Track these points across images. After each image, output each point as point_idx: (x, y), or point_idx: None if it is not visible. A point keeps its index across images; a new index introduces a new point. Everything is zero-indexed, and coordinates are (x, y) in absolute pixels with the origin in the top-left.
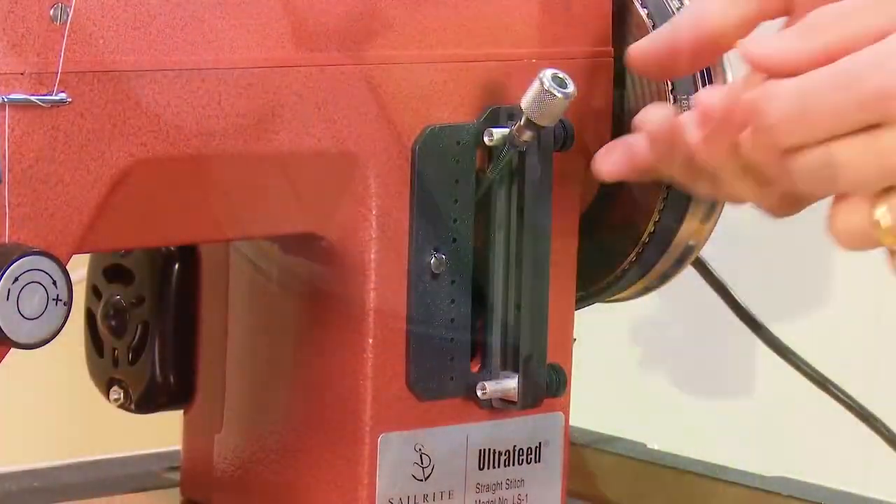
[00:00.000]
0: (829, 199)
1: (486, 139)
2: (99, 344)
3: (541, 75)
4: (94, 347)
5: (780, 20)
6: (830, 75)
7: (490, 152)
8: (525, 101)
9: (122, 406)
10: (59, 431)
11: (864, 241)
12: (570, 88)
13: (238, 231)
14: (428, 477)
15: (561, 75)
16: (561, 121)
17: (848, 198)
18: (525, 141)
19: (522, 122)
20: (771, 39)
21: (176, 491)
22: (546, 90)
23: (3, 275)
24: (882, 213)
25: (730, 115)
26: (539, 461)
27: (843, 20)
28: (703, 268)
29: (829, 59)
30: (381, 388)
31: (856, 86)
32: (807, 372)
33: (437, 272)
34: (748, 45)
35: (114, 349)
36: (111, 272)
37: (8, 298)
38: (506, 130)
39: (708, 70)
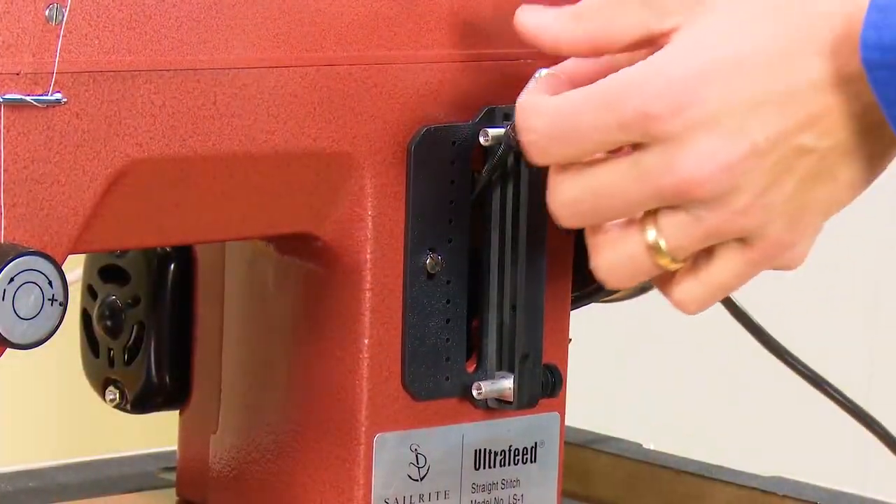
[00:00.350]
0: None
1: (481, 139)
2: (94, 344)
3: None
4: (90, 348)
5: None
6: (592, 94)
7: (486, 152)
8: None
9: (117, 406)
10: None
11: (634, 271)
12: None
13: (234, 231)
14: (424, 477)
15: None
16: None
17: (607, 231)
18: (520, 141)
19: None
20: (548, 14)
21: (172, 491)
22: None
23: None
24: (654, 235)
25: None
26: (535, 461)
27: (609, 9)
28: None
29: (591, 47)
30: (377, 389)
31: (617, 105)
32: (803, 372)
33: (432, 272)
34: (525, 14)
35: (109, 349)
36: (107, 272)
37: (3, 299)
38: (501, 130)
39: None
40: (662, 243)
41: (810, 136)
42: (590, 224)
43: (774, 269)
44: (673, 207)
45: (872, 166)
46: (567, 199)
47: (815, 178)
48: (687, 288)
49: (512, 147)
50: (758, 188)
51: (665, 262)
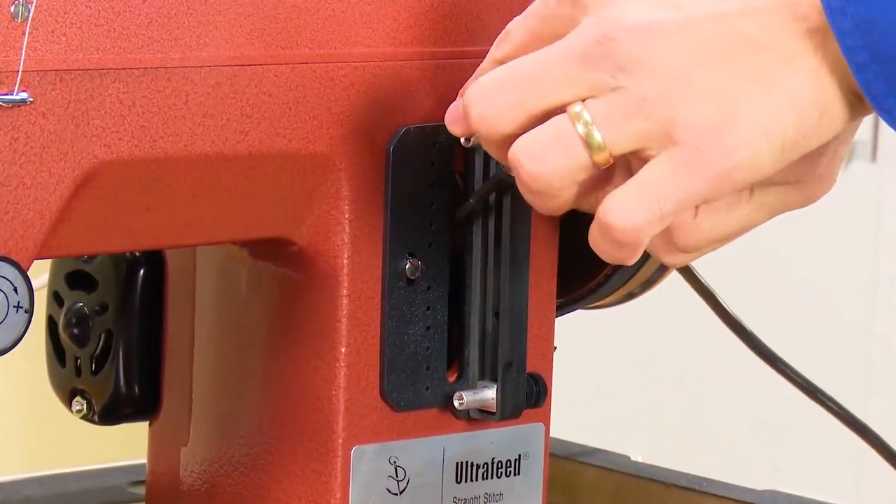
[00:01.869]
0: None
1: (462, 141)
2: (61, 353)
3: None
4: (56, 356)
5: None
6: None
7: (467, 154)
8: None
9: (84, 417)
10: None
11: (568, 170)
12: None
13: (205, 235)
14: (403, 491)
15: None
16: None
17: (536, 135)
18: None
19: None
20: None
21: None
22: None
23: None
24: (583, 125)
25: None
26: (518, 474)
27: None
28: (688, 273)
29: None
30: (354, 399)
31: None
32: (796, 381)
33: (412, 278)
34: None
35: (76, 358)
36: (74, 278)
37: None
38: None
39: None
40: (595, 133)
41: (751, 24)
42: (511, 116)
43: (787, 208)
44: (599, 92)
45: (817, 94)
46: (488, 83)
47: (750, 73)
48: (618, 195)
49: (504, 181)
50: (684, 58)
51: (600, 157)
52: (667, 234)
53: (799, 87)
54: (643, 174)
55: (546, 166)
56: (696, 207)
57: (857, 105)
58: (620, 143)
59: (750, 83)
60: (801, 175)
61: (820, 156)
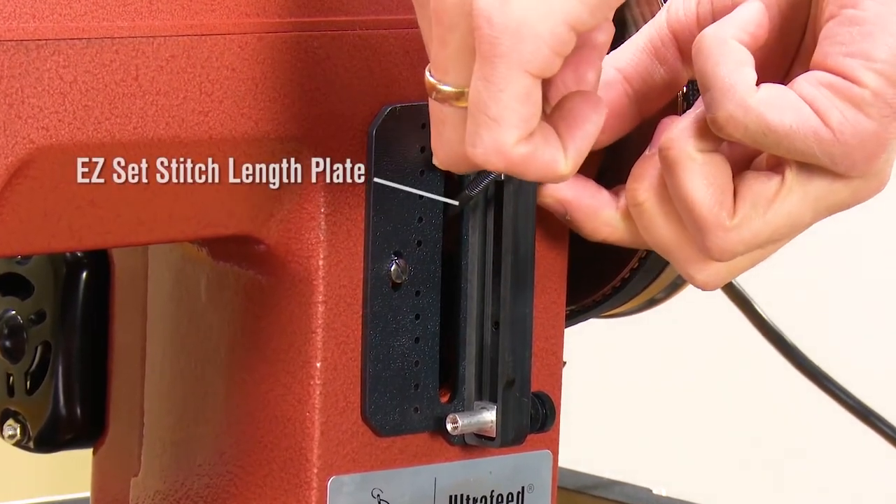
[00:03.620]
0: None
1: (467, 189)
2: None
3: None
4: None
5: None
6: None
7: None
8: None
9: (18, 444)
10: None
11: (448, 132)
12: None
13: (159, 233)
14: None
15: None
16: None
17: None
18: None
19: None
20: None
21: None
22: None
23: None
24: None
25: None
26: None
27: None
28: None
29: None
30: (332, 422)
31: None
32: (846, 401)
33: (398, 281)
34: None
35: (8, 375)
36: (6, 282)
37: None
38: None
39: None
40: (429, 75)
41: None
42: None
43: (836, 205)
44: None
45: None
46: None
47: None
48: None
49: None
50: None
51: (462, 102)
52: (698, 239)
53: None
54: None
55: (450, 156)
56: (734, 207)
57: None
58: (459, 70)
59: None
60: (851, 167)
61: (875, 152)
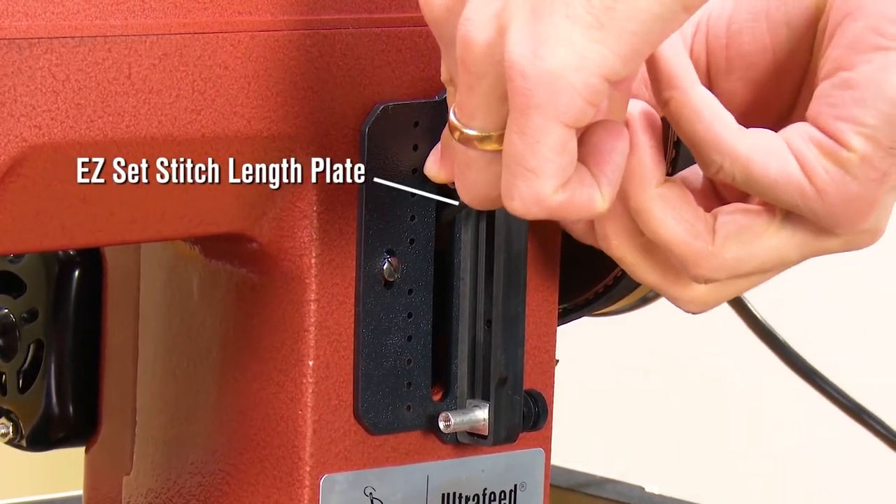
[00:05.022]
0: None
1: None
2: None
3: None
4: None
5: None
6: None
7: None
8: None
9: (10, 442)
10: None
11: (477, 175)
12: None
13: (151, 231)
14: None
15: None
16: None
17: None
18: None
19: None
20: None
21: None
22: None
23: None
24: (453, 116)
25: None
26: None
27: None
28: None
29: None
30: (324, 420)
31: None
32: (839, 400)
33: (390, 280)
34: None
35: (1, 374)
36: None
37: None
38: None
39: None
40: (454, 117)
41: None
42: None
43: (826, 251)
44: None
45: None
46: None
47: None
48: None
49: None
50: None
51: (487, 145)
52: (680, 263)
53: None
54: None
55: (480, 196)
56: (713, 233)
57: None
58: (484, 115)
59: None
60: (835, 225)
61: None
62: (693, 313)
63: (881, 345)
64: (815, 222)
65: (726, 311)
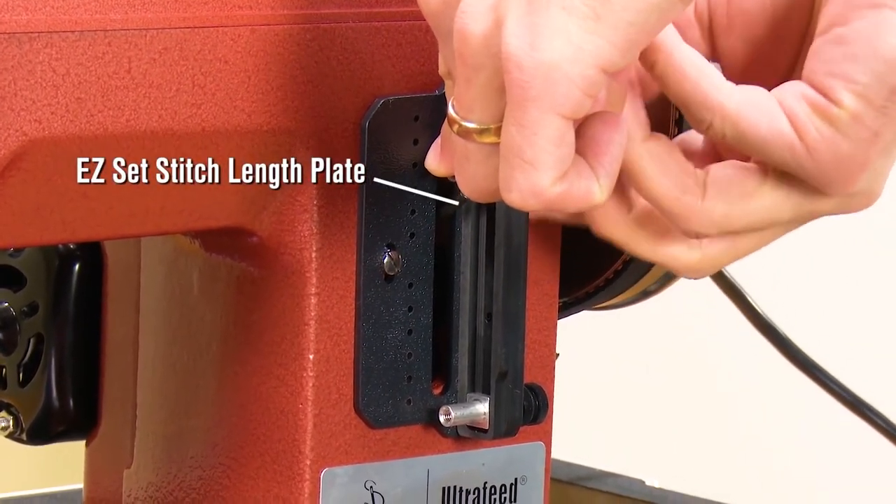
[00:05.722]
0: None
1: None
2: None
3: None
4: None
5: None
6: None
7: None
8: None
9: (11, 436)
10: None
11: (476, 167)
12: None
13: (151, 225)
14: None
15: None
16: None
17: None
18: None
19: None
20: None
21: None
22: None
23: None
24: (451, 109)
25: None
26: (515, 501)
27: None
28: None
29: None
30: (324, 414)
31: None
32: (838, 393)
33: (391, 273)
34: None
35: (1, 367)
36: None
37: None
38: None
39: None
40: (452, 110)
41: None
42: None
43: (820, 213)
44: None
45: None
46: None
47: None
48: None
49: None
50: None
51: (486, 137)
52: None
53: None
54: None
55: (480, 190)
56: (704, 188)
57: None
58: (482, 110)
59: None
60: (827, 185)
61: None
62: (692, 278)
63: (881, 338)
64: (806, 181)
65: (726, 304)
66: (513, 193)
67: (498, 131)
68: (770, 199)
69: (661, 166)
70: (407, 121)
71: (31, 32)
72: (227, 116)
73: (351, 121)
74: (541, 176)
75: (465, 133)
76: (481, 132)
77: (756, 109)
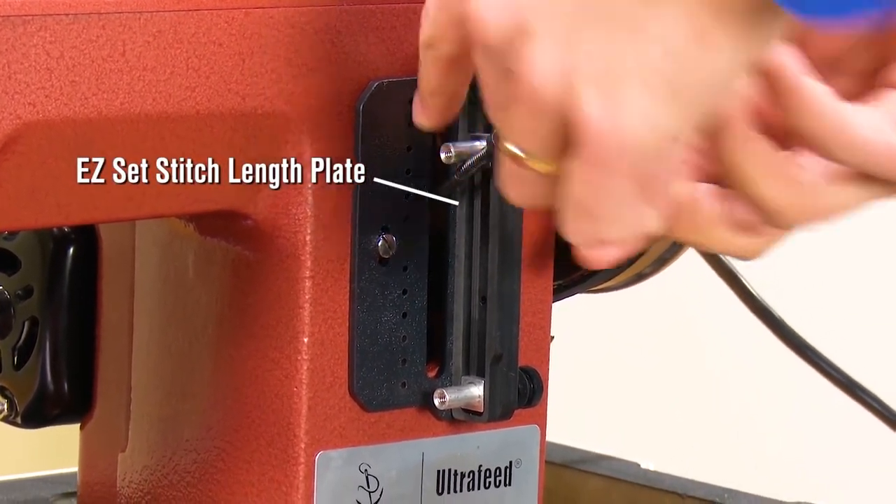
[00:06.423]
0: None
1: (443, 155)
2: None
3: None
4: None
5: None
6: None
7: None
8: None
9: (5, 419)
10: None
11: (525, 187)
12: None
13: (146, 208)
14: (376, 503)
15: None
16: None
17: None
18: None
19: None
20: None
21: None
22: None
23: None
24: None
25: None
26: (509, 484)
27: None
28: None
29: None
30: (319, 397)
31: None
32: (833, 375)
33: (385, 257)
34: None
35: None
36: None
37: None
38: (472, 145)
39: None
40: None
41: None
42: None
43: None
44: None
45: (696, 25)
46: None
47: (620, 28)
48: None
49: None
50: (556, 32)
51: (534, 164)
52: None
53: (672, 27)
54: (562, 185)
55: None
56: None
57: (749, 14)
58: (538, 140)
59: (625, 43)
60: None
61: None
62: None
63: (875, 320)
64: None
65: (721, 287)
66: (576, 238)
67: (545, 160)
68: (851, 194)
69: (769, 160)
70: (401, 103)
71: (26, 15)
72: (222, 99)
73: (345, 103)
74: (602, 230)
75: (510, 155)
76: (531, 159)
77: (878, 135)
